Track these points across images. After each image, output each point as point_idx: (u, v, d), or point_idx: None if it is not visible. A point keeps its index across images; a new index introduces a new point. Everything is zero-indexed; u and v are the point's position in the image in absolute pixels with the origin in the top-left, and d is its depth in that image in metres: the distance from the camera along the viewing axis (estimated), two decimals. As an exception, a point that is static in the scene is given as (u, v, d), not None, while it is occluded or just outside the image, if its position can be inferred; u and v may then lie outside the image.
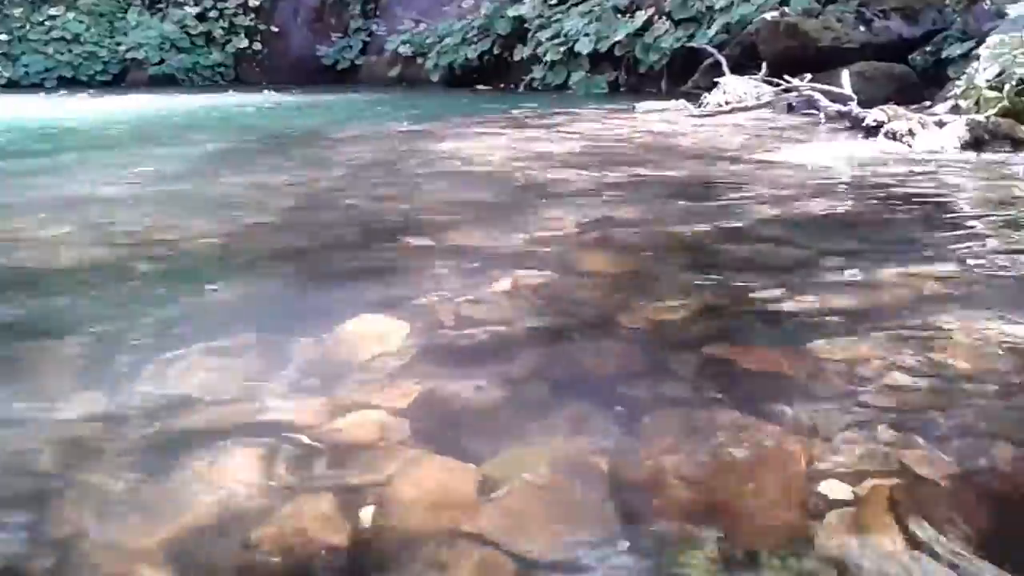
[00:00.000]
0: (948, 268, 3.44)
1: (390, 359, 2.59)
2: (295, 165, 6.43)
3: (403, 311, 2.98)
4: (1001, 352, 2.58)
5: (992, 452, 2.04)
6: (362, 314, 2.97)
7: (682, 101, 10.96)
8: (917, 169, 5.84)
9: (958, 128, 6.46)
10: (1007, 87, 6.69)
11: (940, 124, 6.61)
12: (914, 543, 1.71)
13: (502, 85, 19.82)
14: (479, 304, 3.05)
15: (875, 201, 4.83)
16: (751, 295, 3.13)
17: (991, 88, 6.80)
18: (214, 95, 16.25)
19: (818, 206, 4.68)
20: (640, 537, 1.75)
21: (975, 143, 6.35)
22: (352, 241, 4.10)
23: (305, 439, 2.12)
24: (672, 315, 2.92)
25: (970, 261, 3.55)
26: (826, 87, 8.79)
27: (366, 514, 1.81)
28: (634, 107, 11.00)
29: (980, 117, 6.58)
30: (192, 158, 7.13)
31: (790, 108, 9.51)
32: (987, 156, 6.22)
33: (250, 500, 1.87)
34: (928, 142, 6.45)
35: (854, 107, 7.66)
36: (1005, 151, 6.32)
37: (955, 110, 7.00)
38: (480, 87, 20.11)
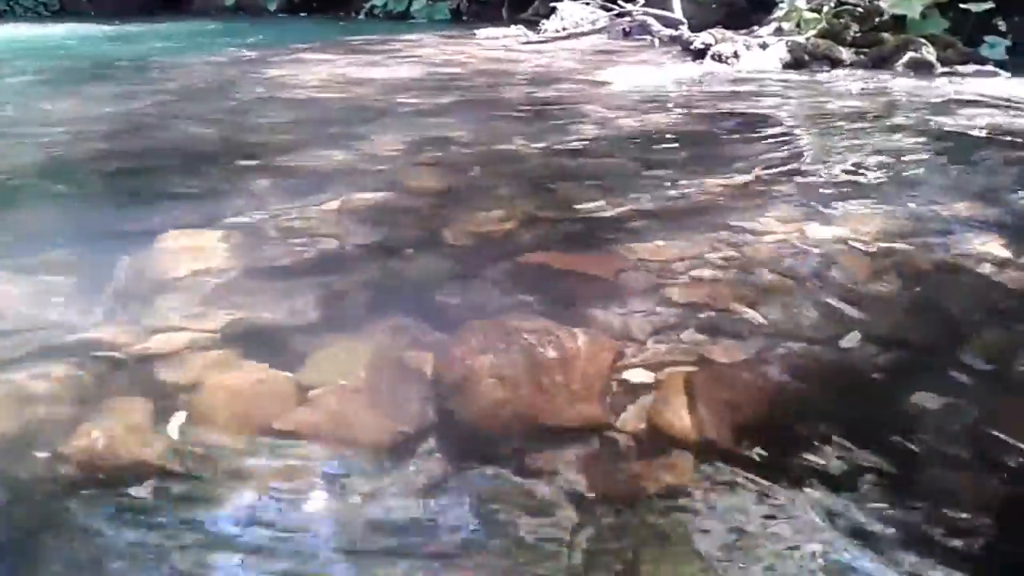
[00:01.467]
0: (759, 175, 3.61)
1: (208, 276, 2.54)
2: (124, 92, 6.10)
3: (226, 228, 2.92)
4: (803, 252, 2.73)
5: (785, 342, 2.18)
6: (182, 231, 2.88)
7: (522, 28, 10.95)
8: (740, 88, 6.05)
9: (780, 49, 6.71)
10: (825, 9, 6.99)
11: (763, 46, 6.85)
12: (698, 418, 1.83)
13: (342, 13, 19.26)
14: (306, 221, 3.02)
15: (697, 117, 4.99)
16: (573, 205, 3.20)
17: (811, 11, 7.08)
18: (38, 25, 15.16)
19: (643, 123, 4.80)
20: (453, 428, 1.80)
21: (796, 63, 6.62)
22: (178, 163, 3.95)
23: (117, 355, 2.06)
24: (495, 227, 2.96)
25: (780, 169, 3.73)
26: (659, 12, 8.96)
27: (175, 422, 1.79)
28: (474, 34, 10.93)
29: (800, 38, 6.86)
30: (13, 86, 6.67)
31: (625, 33, 9.65)
32: (806, 75, 6.50)
33: (56, 415, 1.81)
34: (752, 63, 6.69)
35: (684, 31, 7.84)
36: (824, 70, 6.62)
37: (778, 32, 7.27)
38: (319, 15, 19.51)
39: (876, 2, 6.82)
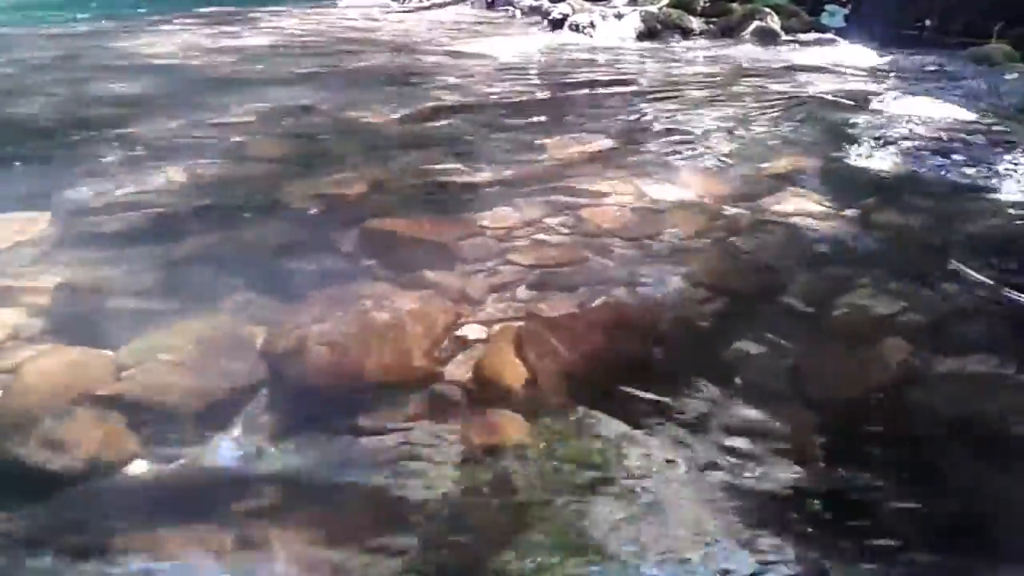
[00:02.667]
0: (606, 140, 3.73)
1: (30, 249, 2.49)
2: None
3: (55, 201, 2.85)
4: (638, 212, 2.85)
5: (612, 293, 2.29)
6: (5, 205, 2.81)
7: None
8: (595, 57, 6.19)
9: (634, 19, 6.89)
10: (677, -20, 7.19)
11: (619, 16, 7.01)
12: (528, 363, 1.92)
13: (203, -18, 18.61)
14: (144, 192, 2.97)
15: (553, 86, 5.09)
16: (424, 172, 3.25)
17: (663, -19, 7.27)
18: None
19: (500, 91, 4.86)
20: (281, 392, 1.84)
21: (649, 33, 6.81)
22: (10, 138, 3.80)
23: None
24: (341, 193, 2.98)
25: (628, 134, 3.86)
26: (518, -19, 9.01)
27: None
28: (336, 3, 10.76)
29: (653, 8, 7.05)
30: None
31: (489, 4, 9.68)
32: (659, 44, 6.70)
33: None
34: (608, 33, 6.84)
35: (544, 2, 7.94)
36: (675, 39, 6.83)
37: (632, 3, 7.44)
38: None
39: (724, -27, 7.07)
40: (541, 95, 4.81)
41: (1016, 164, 3.23)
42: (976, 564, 1.38)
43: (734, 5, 7.17)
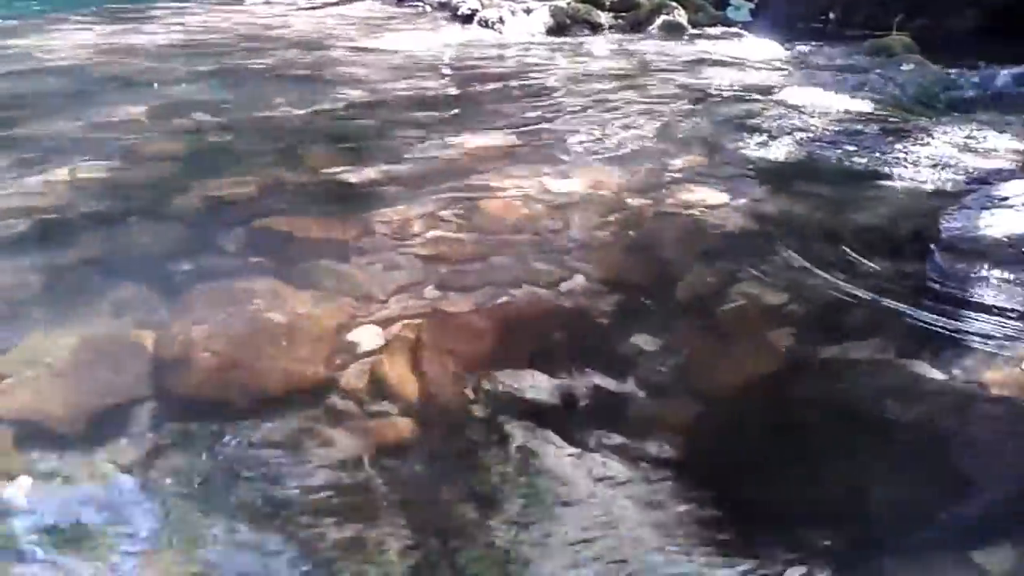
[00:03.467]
0: (512, 136, 3.71)
1: None
2: None
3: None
4: (540, 206, 2.84)
5: (511, 290, 2.27)
6: None
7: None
8: (504, 52, 6.17)
9: (543, 14, 6.89)
10: (585, -25, 7.21)
11: (528, 11, 7.00)
12: (420, 369, 1.88)
13: (106, -21, 18.10)
14: (26, 195, 2.85)
15: (460, 81, 5.05)
16: (323, 170, 3.19)
17: (573, -24, 7.28)
18: None
19: (407, 87, 4.82)
20: (167, 402, 1.77)
21: (558, 28, 6.82)
22: None
23: None
24: (233, 192, 2.91)
25: (534, 129, 3.84)
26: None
27: None
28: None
29: (562, 3, 7.06)
30: None
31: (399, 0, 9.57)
32: (568, 39, 6.71)
33: None
34: (517, 28, 6.83)
35: (453, -4, 7.91)
36: (584, 34, 6.85)
37: (542, -3, 7.45)
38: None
39: (631, -33, 7.11)
40: (448, 91, 4.77)
41: (906, 152, 3.31)
42: (854, 547, 1.38)
43: (642, 0, 7.22)
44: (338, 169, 3.19)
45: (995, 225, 2.21)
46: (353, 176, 3.12)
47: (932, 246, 2.32)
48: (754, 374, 1.90)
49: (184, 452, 1.61)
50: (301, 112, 4.13)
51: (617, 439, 1.66)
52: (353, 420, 1.73)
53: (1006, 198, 2.26)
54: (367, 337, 2.03)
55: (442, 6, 8.17)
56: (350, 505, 1.50)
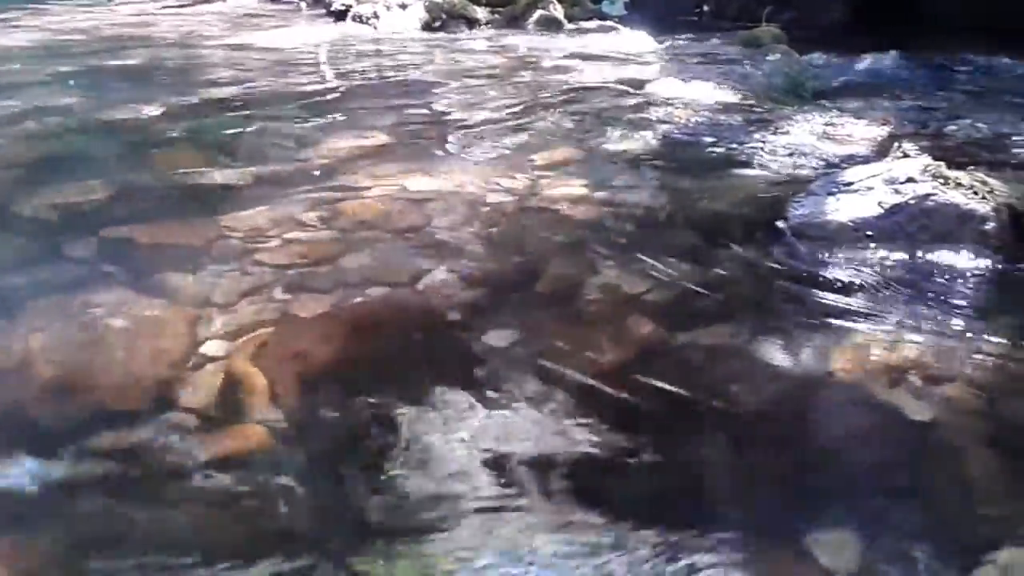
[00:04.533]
0: (381, 133, 3.65)
1: None
2: None
3: None
4: (405, 204, 2.80)
5: (368, 290, 2.23)
6: None
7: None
8: (379, 48, 6.10)
9: (418, 10, 6.83)
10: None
11: (403, 6, 6.93)
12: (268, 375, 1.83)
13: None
14: None
15: (332, 79, 4.97)
16: (178, 173, 3.08)
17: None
18: None
19: (273, 85, 4.72)
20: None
21: (434, 23, 6.77)
22: None
23: None
24: (83, 198, 2.78)
25: (404, 126, 3.80)
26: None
27: None
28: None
29: (438, -1, 7.02)
30: None
31: (276, -4, 9.37)
32: (444, 34, 6.66)
33: None
34: (392, 23, 6.76)
35: (329, -8, 7.78)
36: (461, 29, 6.81)
37: (417, -8, 7.37)
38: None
39: (507, -38, 7.10)
40: (317, 88, 4.68)
41: (766, 141, 3.38)
42: (691, 532, 1.38)
43: (519, -6, 7.23)
44: (196, 171, 3.09)
45: (841, 209, 2.26)
46: (211, 178, 3.03)
47: (782, 232, 2.37)
48: (610, 364, 1.89)
49: (19, 466, 1.53)
50: (162, 113, 3.98)
51: (468, 437, 1.63)
52: (198, 429, 1.66)
53: (851, 183, 2.32)
54: (215, 345, 1.96)
55: (316, 2, 8.02)
56: (194, 515, 1.44)
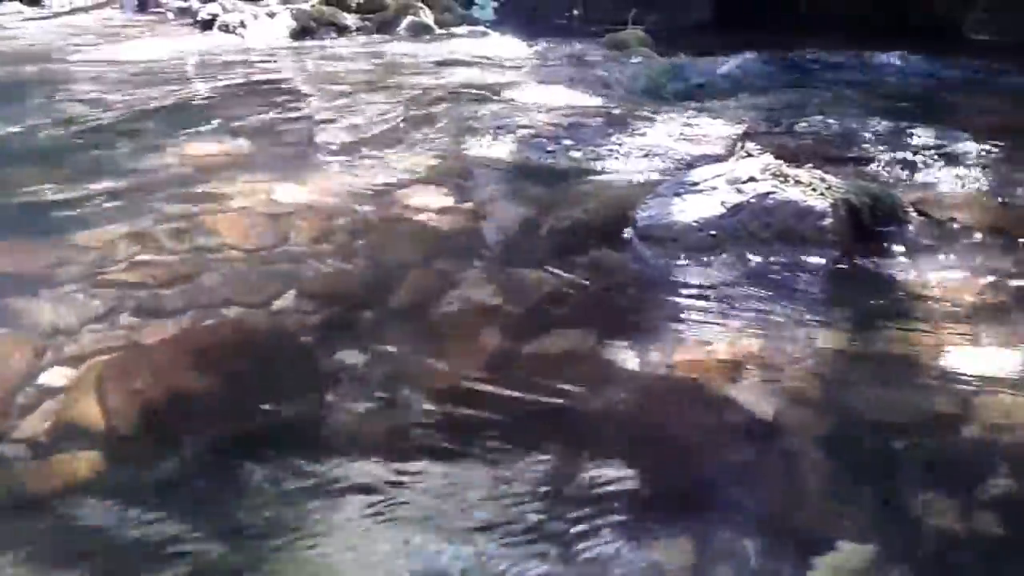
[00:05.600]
0: (244, 144, 3.59)
1: None
2: None
3: None
4: (263, 218, 2.74)
5: (220, 312, 2.18)
6: None
7: (19, 3, 9.90)
8: (245, 57, 5.98)
9: (286, 18, 6.72)
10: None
11: (271, 15, 6.81)
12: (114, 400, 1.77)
13: None
14: None
15: (194, 89, 4.84)
16: (20, 190, 2.95)
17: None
18: None
19: (135, 97, 4.55)
20: None
21: (303, 31, 6.68)
22: None
23: None
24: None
25: (267, 136, 3.73)
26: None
27: None
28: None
29: (306, 6, 6.93)
30: None
31: (140, 8, 9.09)
32: (313, 42, 6.58)
33: None
34: (260, 32, 6.63)
35: (193, 2, 7.59)
36: (331, 37, 6.74)
37: (285, 1, 7.26)
38: None
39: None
40: (179, 99, 4.55)
41: (623, 144, 3.44)
42: (536, 534, 1.40)
43: (388, 1, 7.18)
44: (42, 189, 2.96)
45: (686, 211, 2.32)
46: (59, 196, 2.91)
47: (629, 235, 2.42)
48: (461, 376, 1.89)
49: None
50: (9, 130, 3.81)
51: (313, 459, 1.61)
52: (35, 462, 1.61)
53: (696, 183, 2.38)
54: (53, 376, 1.88)
55: (183, 12, 7.81)
56: (30, 549, 1.39)
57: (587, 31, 7.34)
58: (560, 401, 1.78)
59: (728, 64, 5.53)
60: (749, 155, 2.47)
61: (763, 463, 1.61)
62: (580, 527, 1.44)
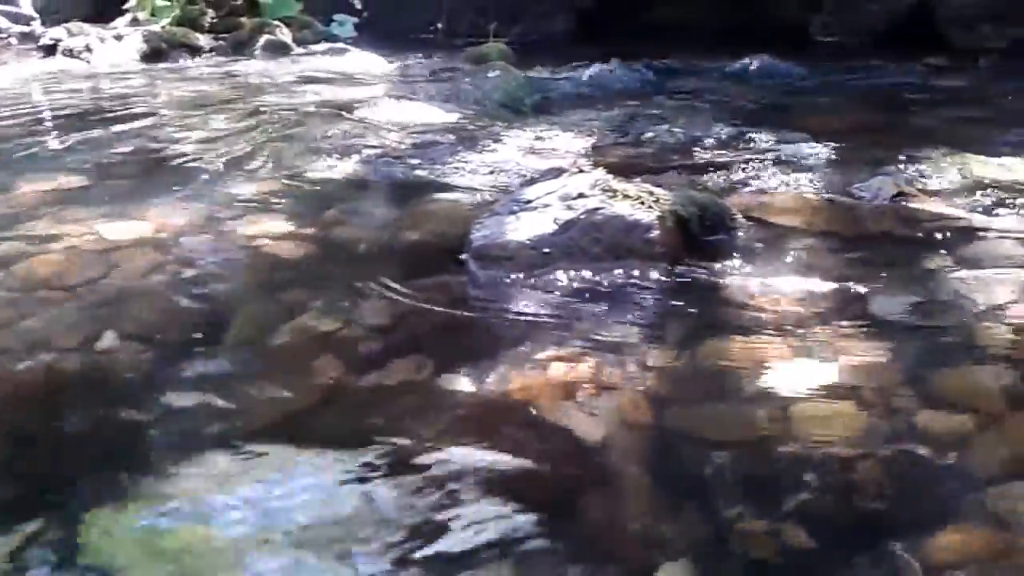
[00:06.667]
0: (77, 176, 3.44)
1: None
2: None
3: None
4: (90, 255, 2.62)
5: (38, 355, 2.06)
6: None
7: None
8: (91, 84, 5.79)
9: (136, 40, 6.52)
10: (179, -4, 6.91)
11: (119, 38, 6.59)
12: None
13: None
14: None
15: (26, 119, 4.62)
16: None
17: (163, -1, 6.95)
18: None
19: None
20: None
21: (154, 53, 6.48)
22: None
23: None
24: None
25: (105, 166, 3.59)
26: (5, 8, 8.16)
27: None
28: None
29: (156, 27, 6.71)
30: None
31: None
32: (166, 64, 6.40)
33: None
34: (108, 56, 6.41)
35: (36, 27, 7.28)
36: (183, 59, 6.56)
37: (134, 23, 7.03)
38: None
39: (228, -13, 6.91)
40: (10, 132, 4.33)
41: (470, 161, 3.42)
42: None
43: (243, 19, 7.03)
44: None
45: (519, 229, 2.31)
46: None
47: (465, 256, 2.39)
48: (296, 413, 1.84)
49: None
50: None
51: (136, 519, 1.52)
52: None
53: (530, 201, 2.37)
54: None
55: (26, 37, 7.49)
56: None
57: (449, 45, 7.35)
58: (392, 438, 1.73)
59: (590, 73, 5.60)
60: (581, 170, 2.47)
61: (588, 489, 1.60)
62: (391, 556, 1.39)
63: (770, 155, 3.35)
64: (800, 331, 1.98)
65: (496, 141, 3.78)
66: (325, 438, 1.74)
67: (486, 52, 6.39)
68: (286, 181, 3.32)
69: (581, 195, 2.29)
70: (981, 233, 2.47)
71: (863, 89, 5.48)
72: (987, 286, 2.11)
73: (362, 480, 1.60)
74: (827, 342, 1.93)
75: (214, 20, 6.98)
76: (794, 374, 1.82)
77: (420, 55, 6.76)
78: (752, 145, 3.59)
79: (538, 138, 3.85)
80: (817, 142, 3.61)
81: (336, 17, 7.47)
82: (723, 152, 3.44)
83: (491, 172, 3.26)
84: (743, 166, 3.18)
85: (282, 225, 2.87)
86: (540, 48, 7.15)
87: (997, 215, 2.67)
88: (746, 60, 5.88)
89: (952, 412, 1.66)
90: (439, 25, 8.40)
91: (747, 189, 2.92)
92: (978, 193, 2.87)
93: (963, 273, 2.19)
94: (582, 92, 5.30)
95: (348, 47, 6.90)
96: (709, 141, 3.71)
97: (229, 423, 1.80)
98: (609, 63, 5.70)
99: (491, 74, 5.49)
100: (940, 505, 1.47)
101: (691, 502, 1.55)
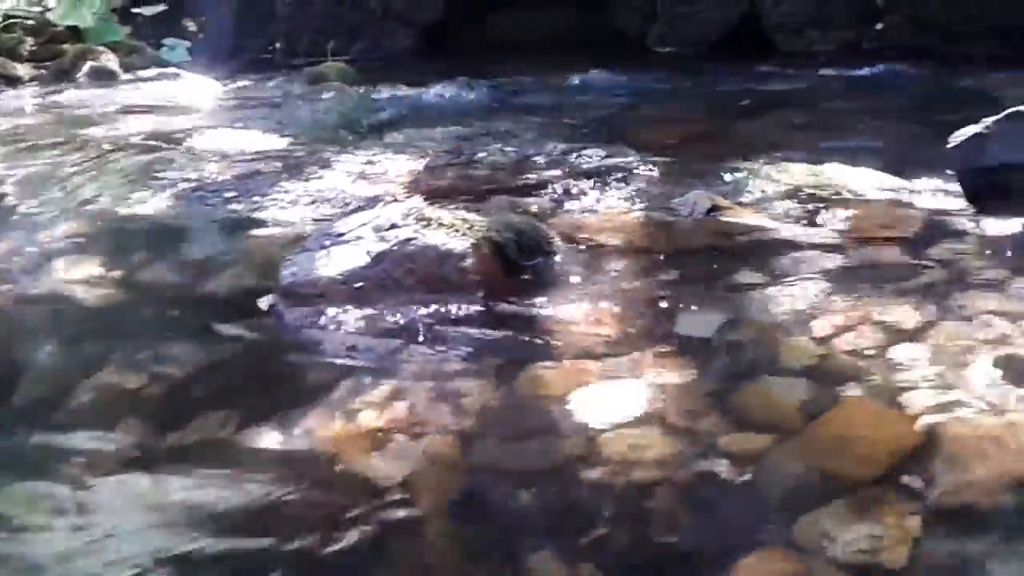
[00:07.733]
0: None
1: None
2: None
3: None
4: None
5: None
6: None
7: None
8: None
9: (-56, 72, 6.12)
10: (-6, 23, 6.54)
11: (-75, 69, 6.18)
12: None
13: None
14: None
15: None
16: None
17: (-20, 26, 6.57)
18: None
19: None
20: None
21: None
22: None
23: None
24: None
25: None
26: None
27: None
28: None
29: (-34, 59, 6.34)
30: None
31: None
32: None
33: None
34: (-88, 90, 6.00)
35: None
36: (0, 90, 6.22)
37: (-58, 53, 6.61)
38: None
39: (46, 14, 6.57)
40: None
41: (292, 191, 3.28)
42: None
43: (66, 47, 6.70)
44: None
45: (331, 264, 2.23)
46: None
47: (274, 296, 2.29)
48: (94, 480, 1.70)
49: None
50: None
51: None
52: None
53: (343, 234, 2.29)
54: None
55: None
56: None
57: (288, 65, 7.21)
58: (196, 499, 1.62)
59: (433, 92, 5.57)
60: (395, 199, 2.41)
61: (386, 538, 1.53)
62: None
63: (597, 173, 3.36)
64: (611, 356, 1.96)
65: (324, 167, 3.67)
66: (127, 508, 1.62)
67: (324, 72, 6.28)
68: (97, 221, 3.15)
69: (394, 225, 2.23)
70: (791, 244, 2.52)
71: (696, 98, 5.63)
72: (792, 299, 2.14)
73: (158, 551, 1.49)
74: (636, 365, 1.91)
75: (34, 48, 6.63)
76: (603, 401, 1.80)
77: (255, 77, 6.59)
78: (582, 163, 3.59)
79: (368, 162, 3.76)
80: (645, 156, 3.64)
81: (166, 42, 7.21)
82: (552, 171, 3.43)
83: (313, 202, 3.14)
84: (570, 185, 3.17)
85: (89, 269, 2.70)
86: (382, 66, 7.07)
87: (809, 225, 2.73)
88: (585, 73, 5.96)
89: (754, 432, 1.66)
90: (278, 44, 8.23)
91: (569, 209, 2.91)
92: (793, 202, 2.94)
93: (770, 288, 2.22)
94: (423, 111, 5.25)
95: (180, 72, 6.66)
96: (540, 160, 3.70)
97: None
98: (448, 81, 5.69)
99: (325, 95, 5.39)
100: (741, 531, 1.46)
101: (492, 539, 1.52)
